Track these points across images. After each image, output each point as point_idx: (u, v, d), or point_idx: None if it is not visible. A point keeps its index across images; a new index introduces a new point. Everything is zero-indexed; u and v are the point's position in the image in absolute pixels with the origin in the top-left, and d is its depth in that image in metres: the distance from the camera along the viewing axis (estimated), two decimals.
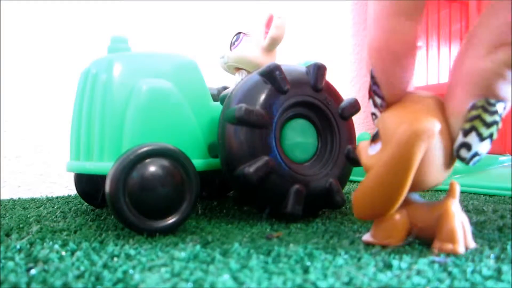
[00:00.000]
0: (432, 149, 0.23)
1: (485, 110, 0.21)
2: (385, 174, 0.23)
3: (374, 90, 0.24)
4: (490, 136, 0.21)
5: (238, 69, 0.42)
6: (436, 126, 0.22)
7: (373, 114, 0.25)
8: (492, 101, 0.21)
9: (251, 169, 0.31)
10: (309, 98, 0.35)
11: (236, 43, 0.40)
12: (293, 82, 0.34)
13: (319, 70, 0.35)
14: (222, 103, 0.36)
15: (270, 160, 0.32)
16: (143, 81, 0.33)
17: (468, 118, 0.21)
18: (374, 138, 0.25)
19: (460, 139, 0.22)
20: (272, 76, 0.33)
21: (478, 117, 0.21)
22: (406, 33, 0.22)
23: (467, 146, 0.22)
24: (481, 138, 0.21)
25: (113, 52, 0.36)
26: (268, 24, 0.40)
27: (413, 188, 0.23)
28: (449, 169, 0.24)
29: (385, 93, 0.24)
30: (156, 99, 0.33)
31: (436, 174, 0.23)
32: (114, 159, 0.29)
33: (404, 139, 0.22)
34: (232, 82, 0.42)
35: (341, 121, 0.36)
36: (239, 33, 0.40)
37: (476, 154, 0.22)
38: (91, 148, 0.33)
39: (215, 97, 0.41)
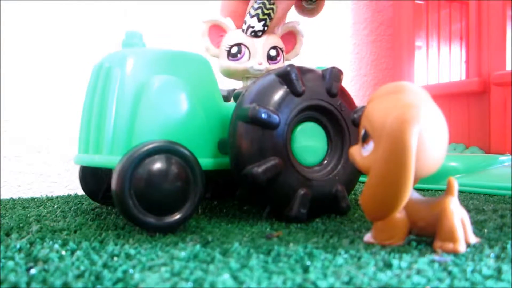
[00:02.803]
0: (423, 131, 0.22)
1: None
2: (385, 169, 0.23)
3: None
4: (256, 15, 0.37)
5: None
6: (421, 108, 0.22)
7: None
8: None
9: (260, 169, 0.31)
10: (323, 102, 0.34)
11: (278, 58, 0.40)
12: (308, 85, 0.34)
13: (335, 75, 0.35)
14: (236, 100, 0.36)
15: (279, 162, 0.32)
16: (156, 77, 0.33)
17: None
18: (364, 139, 0.25)
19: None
20: (288, 77, 0.33)
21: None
22: None
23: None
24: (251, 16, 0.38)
25: (127, 47, 0.36)
26: (284, 37, 0.41)
27: (416, 177, 0.23)
28: (443, 153, 0.24)
29: None
30: (167, 96, 0.33)
31: (433, 155, 0.23)
32: (124, 153, 0.30)
33: (395, 129, 0.22)
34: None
35: (352, 128, 0.36)
36: (275, 47, 0.40)
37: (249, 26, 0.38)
38: (101, 141, 0.33)
39: (225, 99, 0.41)
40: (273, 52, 0.39)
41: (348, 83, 0.90)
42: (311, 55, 0.79)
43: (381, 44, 0.93)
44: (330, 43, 0.87)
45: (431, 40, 0.83)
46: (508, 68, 0.69)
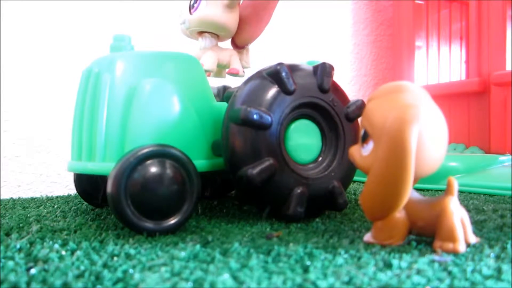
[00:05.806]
0: (422, 131, 0.22)
1: None
2: (385, 169, 0.23)
3: None
4: None
5: (201, 33, 0.41)
6: (421, 108, 0.22)
7: None
8: None
9: (255, 171, 0.31)
10: (315, 99, 0.34)
11: (195, 5, 0.38)
12: (300, 82, 0.33)
13: (326, 70, 0.34)
14: (227, 101, 0.36)
15: (274, 162, 0.31)
16: (146, 81, 0.33)
17: None
18: (364, 139, 0.25)
19: None
20: (278, 76, 0.32)
21: None
22: None
23: None
24: None
25: (115, 51, 0.36)
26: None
27: (415, 177, 0.23)
28: (443, 153, 0.24)
29: None
30: (159, 99, 0.32)
31: (433, 155, 0.23)
32: (117, 159, 0.29)
33: (395, 129, 0.22)
34: (196, 48, 0.41)
35: (346, 123, 0.35)
36: None
37: None
38: (93, 148, 0.33)
39: (215, 97, 0.41)
40: (192, 2, 0.40)
41: (348, 83, 0.90)
42: (311, 54, 0.80)
43: (381, 44, 0.93)
44: (330, 43, 0.87)
45: (431, 40, 0.83)
46: (508, 68, 0.69)
